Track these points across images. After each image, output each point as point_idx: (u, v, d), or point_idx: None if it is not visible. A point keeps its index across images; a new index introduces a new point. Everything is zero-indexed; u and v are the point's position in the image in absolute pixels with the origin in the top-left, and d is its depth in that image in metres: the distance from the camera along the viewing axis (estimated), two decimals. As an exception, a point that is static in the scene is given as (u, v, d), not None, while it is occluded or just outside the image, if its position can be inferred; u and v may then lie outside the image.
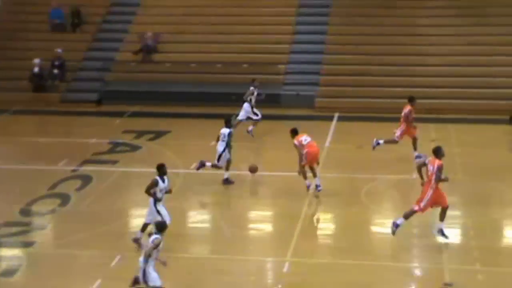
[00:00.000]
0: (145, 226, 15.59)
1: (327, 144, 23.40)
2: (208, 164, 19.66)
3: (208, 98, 28.27)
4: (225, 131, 19.48)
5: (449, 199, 16.06)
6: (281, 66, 29.53)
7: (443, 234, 15.79)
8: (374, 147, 21.37)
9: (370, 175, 20.44)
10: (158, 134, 24.79)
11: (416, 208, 15.58)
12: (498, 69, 28.70)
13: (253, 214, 18.98)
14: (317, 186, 18.74)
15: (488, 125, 25.67)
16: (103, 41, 31.73)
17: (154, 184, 15.25)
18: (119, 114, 27.50)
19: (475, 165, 21.39)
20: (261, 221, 18.51)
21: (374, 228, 17.86)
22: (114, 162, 21.96)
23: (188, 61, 29.85)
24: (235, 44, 30.35)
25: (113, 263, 15.06)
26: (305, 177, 18.61)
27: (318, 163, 19.00)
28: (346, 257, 15.65)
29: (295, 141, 18.60)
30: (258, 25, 31.09)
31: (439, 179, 15.41)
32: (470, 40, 29.67)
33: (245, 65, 29.27)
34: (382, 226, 16.98)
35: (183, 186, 19.48)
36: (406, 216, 15.73)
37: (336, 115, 26.97)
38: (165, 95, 28.63)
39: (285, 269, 14.93)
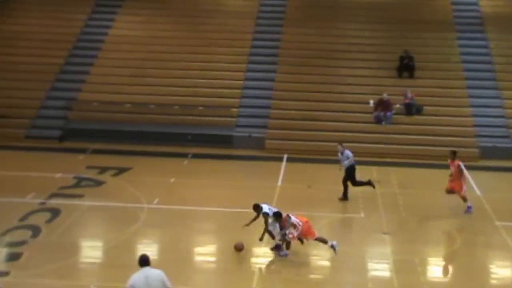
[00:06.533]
0: None
1: (279, 183, 23.72)
2: None
3: (165, 138, 28.39)
4: None
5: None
6: (233, 109, 29.89)
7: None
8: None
9: (322, 213, 20.66)
10: (121, 170, 24.67)
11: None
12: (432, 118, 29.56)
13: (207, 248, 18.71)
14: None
15: (423, 169, 26.19)
16: (65, 81, 31.55)
17: None
18: (81, 151, 27.28)
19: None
20: (214, 254, 18.17)
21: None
22: (80, 196, 21.77)
23: (147, 102, 29.98)
24: (190, 88, 30.60)
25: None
26: None
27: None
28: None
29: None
30: (212, 71, 31.41)
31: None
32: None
33: (200, 108, 29.59)
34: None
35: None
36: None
37: (285, 156, 27.29)
38: (124, 134, 28.59)
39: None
